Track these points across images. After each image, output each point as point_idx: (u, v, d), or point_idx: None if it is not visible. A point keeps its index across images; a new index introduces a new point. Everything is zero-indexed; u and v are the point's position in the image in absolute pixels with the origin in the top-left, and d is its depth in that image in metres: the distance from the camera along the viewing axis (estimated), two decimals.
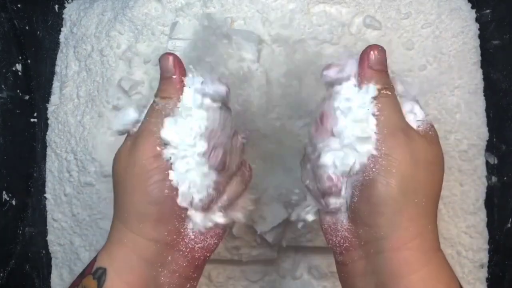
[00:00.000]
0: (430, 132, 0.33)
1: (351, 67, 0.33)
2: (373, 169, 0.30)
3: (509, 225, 0.51)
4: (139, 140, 0.33)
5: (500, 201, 0.52)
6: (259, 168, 0.48)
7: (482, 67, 0.54)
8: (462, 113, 0.53)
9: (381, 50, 0.32)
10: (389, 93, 0.32)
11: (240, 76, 0.48)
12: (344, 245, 0.33)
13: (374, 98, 0.32)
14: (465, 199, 0.52)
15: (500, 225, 0.52)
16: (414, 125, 0.33)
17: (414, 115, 0.33)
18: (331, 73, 0.34)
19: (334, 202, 0.33)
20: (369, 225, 0.31)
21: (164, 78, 0.34)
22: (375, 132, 0.31)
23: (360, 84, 0.32)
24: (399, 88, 0.34)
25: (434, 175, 0.31)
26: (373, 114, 0.31)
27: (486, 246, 0.52)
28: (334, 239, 0.33)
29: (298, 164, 0.38)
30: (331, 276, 0.51)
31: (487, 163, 0.53)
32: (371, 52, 0.32)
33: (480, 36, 0.54)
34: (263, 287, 0.52)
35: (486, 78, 0.53)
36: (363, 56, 0.32)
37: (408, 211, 0.30)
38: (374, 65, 0.32)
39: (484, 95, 0.53)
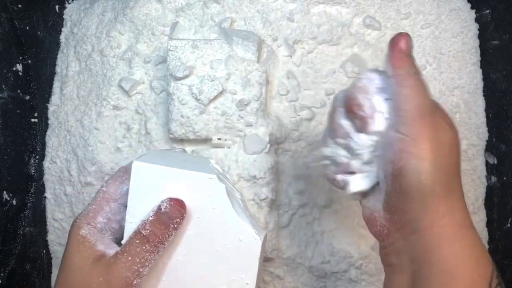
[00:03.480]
0: (448, 113, 0.34)
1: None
2: (402, 157, 0.32)
3: (508, 225, 0.51)
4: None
5: (499, 201, 0.52)
6: None
7: (481, 67, 0.54)
8: (461, 113, 0.53)
9: (408, 38, 0.34)
10: (418, 76, 0.33)
11: (242, 78, 0.48)
12: (384, 232, 0.35)
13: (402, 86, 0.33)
14: (465, 199, 0.52)
15: (499, 225, 0.52)
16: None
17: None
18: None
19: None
20: (403, 210, 0.33)
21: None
22: (397, 116, 0.32)
23: (397, 69, 0.33)
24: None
25: (454, 155, 0.33)
26: (405, 97, 0.32)
27: (486, 246, 0.52)
28: (374, 229, 0.35)
29: None
30: (331, 276, 0.51)
31: (487, 163, 0.53)
32: (401, 40, 0.33)
33: (479, 36, 0.54)
34: (263, 287, 0.52)
35: (486, 78, 0.54)
36: (394, 45, 0.34)
37: (436, 193, 0.31)
38: (403, 51, 0.33)
39: (484, 95, 0.53)
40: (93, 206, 0.38)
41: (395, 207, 0.33)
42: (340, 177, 0.37)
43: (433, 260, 0.31)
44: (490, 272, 0.31)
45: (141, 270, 0.35)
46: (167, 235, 0.36)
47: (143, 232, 0.35)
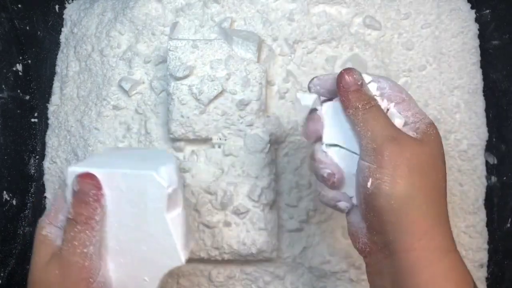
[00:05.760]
0: (429, 131, 0.34)
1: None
2: (372, 182, 0.32)
3: (508, 225, 0.51)
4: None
5: (499, 201, 0.52)
6: None
7: (481, 67, 0.54)
8: (461, 113, 0.53)
9: (351, 71, 0.35)
10: (372, 105, 0.34)
11: (242, 77, 0.48)
12: (366, 249, 0.35)
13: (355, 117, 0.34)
14: (465, 199, 0.52)
15: (499, 225, 0.52)
16: (411, 126, 0.34)
17: (412, 119, 0.35)
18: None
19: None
20: (379, 232, 0.33)
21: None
22: (361, 149, 0.34)
23: (345, 109, 0.35)
24: (376, 92, 0.36)
25: (429, 175, 0.33)
26: (359, 132, 0.34)
27: (486, 246, 0.52)
28: (357, 245, 0.36)
29: None
30: (331, 276, 0.51)
31: (487, 163, 0.53)
32: (344, 77, 0.35)
33: (479, 36, 0.54)
34: (263, 287, 0.52)
35: (486, 78, 0.54)
36: (337, 85, 0.35)
37: (410, 215, 0.32)
38: (349, 87, 0.34)
39: (484, 95, 0.53)
40: (55, 205, 0.39)
41: (372, 227, 0.34)
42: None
43: (411, 284, 0.32)
44: None
45: (85, 251, 0.35)
46: (91, 210, 0.36)
47: (69, 216, 0.36)
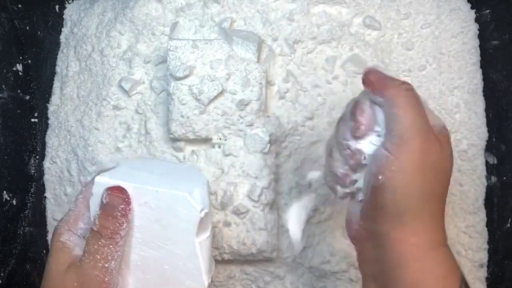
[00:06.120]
0: (443, 133, 0.34)
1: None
2: (384, 173, 0.32)
3: (508, 225, 0.51)
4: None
5: (499, 201, 0.52)
6: None
7: (481, 67, 0.54)
8: (461, 113, 0.53)
9: (375, 69, 0.35)
10: (410, 88, 0.33)
11: (242, 77, 0.48)
12: (357, 236, 0.36)
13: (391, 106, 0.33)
14: (465, 199, 0.52)
15: (499, 225, 0.52)
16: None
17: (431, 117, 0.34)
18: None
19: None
20: (375, 222, 0.34)
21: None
22: (386, 134, 0.33)
23: (383, 91, 0.34)
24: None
25: (440, 178, 0.33)
26: (395, 115, 0.32)
27: (486, 246, 0.52)
28: (350, 232, 0.37)
29: None
30: (331, 276, 0.51)
31: (487, 163, 0.53)
32: (371, 71, 0.35)
33: (479, 36, 0.54)
34: (263, 287, 0.52)
35: (486, 78, 0.54)
36: (367, 77, 0.34)
37: (410, 213, 0.32)
38: (380, 77, 0.34)
39: (484, 95, 0.53)
40: (74, 212, 0.38)
41: (369, 217, 0.34)
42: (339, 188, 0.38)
43: (400, 276, 0.32)
44: (458, 286, 0.32)
45: (106, 265, 0.34)
46: (117, 224, 0.35)
47: (94, 228, 0.35)
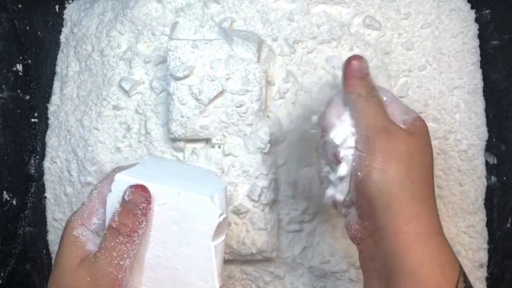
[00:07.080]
0: (416, 123, 0.37)
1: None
2: (361, 170, 0.35)
3: (508, 225, 0.51)
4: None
5: (499, 201, 0.52)
6: None
7: (481, 67, 0.54)
8: (461, 113, 0.53)
9: (360, 59, 0.37)
10: (373, 95, 0.37)
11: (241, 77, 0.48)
12: (358, 236, 0.37)
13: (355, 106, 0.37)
14: (465, 198, 0.52)
15: (499, 225, 0.52)
16: (399, 120, 0.37)
17: (398, 113, 0.38)
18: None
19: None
20: (370, 217, 0.35)
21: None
22: (356, 135, 0.36)
23: (347, 94, 0.37)
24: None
25: (417, 163, 0.35)
26: (357, 119, 0.36)
27: (486, 246, 0.52)
28: (351, 233, 0.38)
29: None
30: (331, 276, 0.51)
31: (487, 163, 0.53)
32: (352, 62, 0.37)
33: (479, 36, 0.54)
34: (263, 287, 0.52)
35: (486, 78, 0.54)
36: (345, 68, 0.37)
37: (398, 200, 0.34)
38: (355, 74, 0.37)
39: (484, 95, 0.53)
40: (88, 207, 0.38)
41: (363, 213, 0.36)
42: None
43: (400, 265, 0.33)
44: (457, 276, 0.33)
45: (121, 263, 0.35)
46: (137, 223, 0.35)
47: (113, 224, 0.35)
